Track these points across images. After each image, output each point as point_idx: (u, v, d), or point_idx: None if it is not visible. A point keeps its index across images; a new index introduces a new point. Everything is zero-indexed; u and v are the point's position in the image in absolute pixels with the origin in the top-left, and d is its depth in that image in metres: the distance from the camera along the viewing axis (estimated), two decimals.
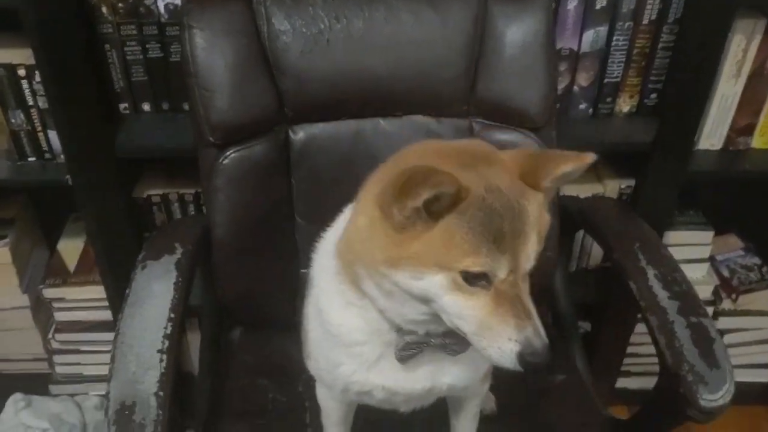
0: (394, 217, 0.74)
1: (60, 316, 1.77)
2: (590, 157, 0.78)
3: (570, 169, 0.78)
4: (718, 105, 1.44)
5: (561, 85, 1.42)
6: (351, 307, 0.87)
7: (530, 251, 0.75)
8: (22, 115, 1.43)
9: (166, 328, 1.01)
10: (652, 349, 1.07)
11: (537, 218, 0.76)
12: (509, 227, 0.73)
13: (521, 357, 0.72)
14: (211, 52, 1.15)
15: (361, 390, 0.94)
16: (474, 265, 0.72)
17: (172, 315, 1.03)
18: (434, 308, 0.77)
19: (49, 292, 1.73)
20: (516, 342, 0.72)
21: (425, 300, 0.77)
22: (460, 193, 0.72)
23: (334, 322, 0.90)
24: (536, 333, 0.73)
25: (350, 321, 0.88)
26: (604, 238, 1.22)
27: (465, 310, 0.75)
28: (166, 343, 0.99)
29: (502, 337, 0.73)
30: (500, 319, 0.73)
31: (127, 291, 1.07)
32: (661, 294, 1.08)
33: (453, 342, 0.85)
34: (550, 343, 0.73)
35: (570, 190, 1.52)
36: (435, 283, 0.74)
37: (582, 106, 1.48)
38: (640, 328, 1.69)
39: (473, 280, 0.73)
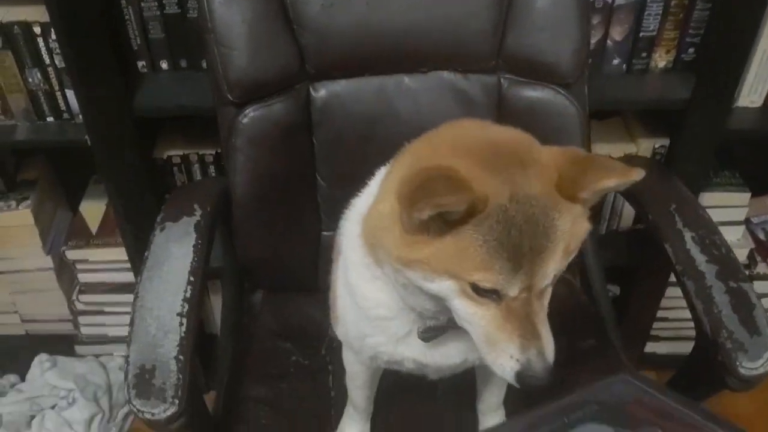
0: (405, 221, 0.71)
1: (84, 278, 1.78)
2: (637, 173, 0.72)
3: (613, 184, 0.72)
4: (759, 60, 1.36)
5: (593, 40, 1.35)
6: (377, 281, 0.84)
7: (550, 270, 0.71)
8: (39, 75, 1.41)
9: (185, 291, 0.99)
10: (682, 314, 1.03)
11: (566, 233, 0.71)
12: (529, 244, 0.68)
13: (520, 376, 0.71)
14: (229, 7, 1.11)
15: (390, 359, 0.92)
16: (484, 280, 0.69)
17: (192, 278, 1.01)
18: (447, 306, 0.75)
19: (72, 254, 1.73)
20: (517, 361, 0.71)
21: (437, 299, 0.75)
22: (476, 204, 0.67)
23: (361, 294, 0.87)
24: (540, 355, 0.70)
25: (376, 295, 0.85)
26: (638, 199, 1.17)
27: (474, 317, 0.72)
28: (186, 306, 0.97)
29: (505, 353, 0.71)
30: (506, 336, 0.71)
31: (146, 253, 1.05)
32: (699, 258, 1.03)
33: None
34: (554, 364, 0.72)
35: (602, 150, 1.47)
36: (445, 288, 0.72)
37: (615, 62, 1.42)
38: (670, 292, 1.65)
39: (483, 292, 0.70)
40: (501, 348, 0.71)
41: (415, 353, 0.88)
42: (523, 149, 0.75)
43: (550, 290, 0.75)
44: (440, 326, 0.83)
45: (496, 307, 0.71)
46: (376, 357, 0.93)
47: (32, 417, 1.70)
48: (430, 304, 0.78)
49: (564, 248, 0.71)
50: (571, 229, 0.72)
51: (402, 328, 0.86)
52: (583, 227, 0.75)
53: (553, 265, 0.71)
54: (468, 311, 0.72)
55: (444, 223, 0.69)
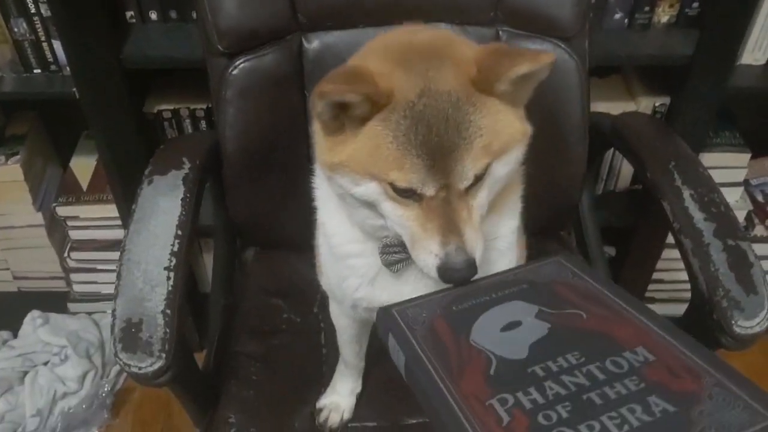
0: (320, 122, 0.73)
1: (75, 235, 1.76)
2: (548, 57, 0.71)
3: (525, 70, 0.70)
4: (765, 14, 1.33)
5: None
6: (341, 212, 0.85)
7: (467, 167, 0.70)
8: (24, 24, 1.37)
9: (173, 245, 0.97)
10: (677, 276, 1.02)
11: (485, 130, 0.70)
12: (440, 140, 0.69)
13: (441, 270, 0.71)
14: None
15: (369, 306, 0.91)
16: (399, 180, 0.70)
17: (179, 232, 0.99)
18: (380, 213, 0.75)
19: (62, 210, 1.71)
20: (436, 257, 0.71)
21: (370, 205, 0.75)
22: (376, 97, 0.69)
23: (330, 231, 0.89)
24: (459, 249, 0.70)
25: (344, 230, 0.87)
26: (637, 155, 1.15)
27: (400, 219, 0.73)
28: (173, 260, 0.95)
29: (427, 250, 0.72)
30: (427, 234, 0.72)
31: (133, 206, 1.03)
32: (697, 215, 1.01)
33: None
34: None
35: (600, 108, 1.44)
36: (371, 190, 0.73)
37: (617, 16, 1.38)
38: (666, 254, 1.64)
39: (403, 193, 0.71)
40: (423, 246, 0.72)
41: (390, 296, 0.87)
42: (443, 46, 0.75)
43: (482, 193, 0.74)
44: (398, 245, 0.81)
45: (418, 207, 0.72)
46: (356, 305, 0.92)
47: (25, 373, 1.70)
48: (370, 216, 0.78)
49: (484, 146, 0.70)
50: (493, 126, 0.71)
51: (371, 268, 0.87)
52: (513, 127, 0.74)
53: (471, 164, 0.70)
54: (395, 213, 0.73)
55: (356, 122, 0.71)
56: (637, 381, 0.54)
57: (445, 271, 0.71)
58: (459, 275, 0.71)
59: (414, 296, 0.72)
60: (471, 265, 0.71)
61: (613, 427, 0.50)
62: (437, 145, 0.69)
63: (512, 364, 0.58)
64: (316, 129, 0.77)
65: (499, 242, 0.86)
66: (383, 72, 0.71)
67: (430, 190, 0.71)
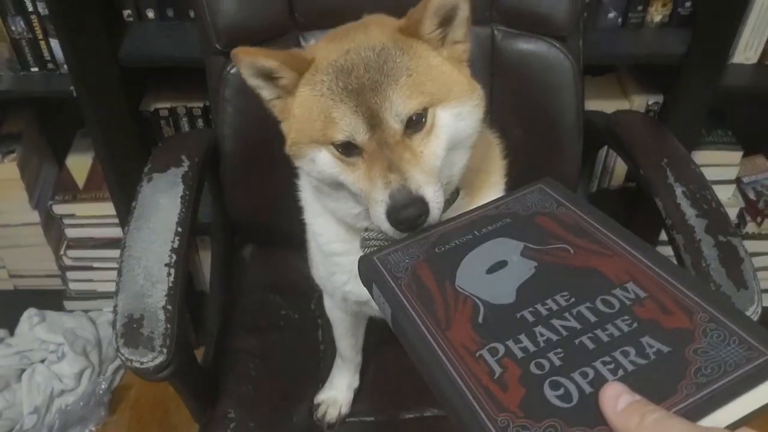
0: (266, 104, 0.79)
1: (71, 233, 1.76)
2: None
3: (438, 0, 0.72)
4: (757, 14, 1.35)
5: None
6: (327, 212, 0.86)
7: (395, 103, 0.70)
8: (22, 23, 1.38)
9: (173, 242, 0.98)
10: None
11: (413, 70, 0.71)
12: (359, 82, 0.70)
13: (390, 216, 0.68)
14: None
15: (358, 300, 0.92)
16: (333, 132, 0.71)
17: (179, 229, 1.00)
18: (347, 190, 0.76)
19: (59, 208, 1.71)
20: (382, 202, 0.69)
21: (336, 184, 0.75)
22: (296, 63, 0.73)
23: (316, 231, 0.90)
24: (403, 188, 0.68)
25: (329, 230, 0.88)
26: (630, 153, 1.16)
27: (354, 184, 0.73)
28: (174, 257, 0.96)
29: (375, 201, 0.70)
30: (372, 183, 0.70)
31: (133, 204, 1.04)
32: (689, 212, 1.03)
33: None
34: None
35: (594, 106, 1.45)
36: (324, 162, 0.74)
37: (611, 15, 1.39)
38: (659, 250, 1.64)
39: (346, 151, 0.72)
40: (372, 198, 0.70)
41: None
42: (375, 20, 0.80)
43: (434, 142, 0.73)
44: (377, 238, 0.80)
45: (362, 162, 0.72)
46: (346, 298, 0.94)
47: (22, 371, 1.71)
48: (344, 204, 0.79)
49: (413, 85, 0.71)
50: (425, 70, 0.72)
51: (356, 265, 0.86)
52: (454, 78, 0.75)
53: (399, 100, 0.70)
54: (349, 179, 0.73)
55: (288, 93, 0.75)
56: (629, 321, 0.52)
57: (393, 215, 0.68)
58: (407, 213, 0.67)
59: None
60: (418, 201, 0.68)
61: (607, 372, 0.48)
62: (359, 86, 0.70)
63: (500, 310, 0.55)
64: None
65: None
66: (313, 48, 0.76)
67: (362, 134, 0.70)
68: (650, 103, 1.51)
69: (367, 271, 0.64)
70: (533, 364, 0.50)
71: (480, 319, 0.55)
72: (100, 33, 1.34)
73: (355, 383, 1.15)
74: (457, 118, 0.74)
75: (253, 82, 0.76)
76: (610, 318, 0.53)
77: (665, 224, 1.05)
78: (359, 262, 0.66)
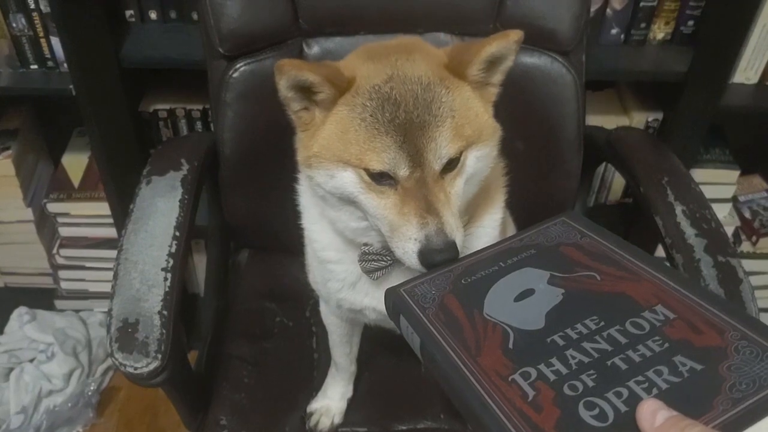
0: (291, 112, 0.77)
1: (64, 232, 1.75)
2: (516, 34, 0.74)
3: (495, 49, 0.73)
4: (758, 35, 1.35)
5: (593, 7, 1.33)
6: (324, 219, 0.86)
7: (441, 146, 0.71)
8: (23, 20, 1.37)
9: (170, 246, 0.98)
10: None
11: (456, 112, 0.72)
12: (408, 117, 0.70)
13: (422, 255, 0.69)
14: None
15: (352, 307, 0.92)
16: (371, 161, 0.70)
17: (177, 233, 0.99)
18: (360, 210, 0.75)
19: (53, 207, 1.70)
20: (417, 241, 0.70)
21: (348, 201, 0.75)
22: (337, 81, 0.71)
23: (313, 237, 0.90)
24: (439, 231, 0.69)
25: (322, 237, 0.88)
26: (630, 170, 1.16)
27: (377, 210, 0.73)
28: (171, 261, 0.96)
29: (406, 237, 0.70)
30: (405, 218, 0.71)
31: (131, 206, 1.03)
32: (689, 231, 1.03)
33: None
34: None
35: (593, 121, 1.46)
36: (346, 181, 0.73)
37: (614, 32, 1.40)
38: None
39: (378, 178, 0.71)
40: (402, 233, 0.71)
41: (372, 301, 0.89)
42: (413, 44, 0.79)
43: (459, 182, 0.74)
44: (377, 253, 0.82)
45: (394, 193, 0.72)
46: (340, 305, 0.93)
47: (10, 370, 1.69)
48: (351, 217, 0.78)
49: (456, 127, 0.71)
50: (465, 111, 0.73)
51: (351, 274, 0.87)
52: (485, 119, 0.76)
53: (444, 142, 0.71)
54: (372, 204, 0.73)
55: (323, 108, 0.73)
56: (660, 341, 0.52)
57: (426, 255, 0.69)
58: (440, 257, 0.69)
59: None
60: (452, 247, 0.69)
61: (641, 391, 0.48)
62: (407, 121, 0.70)
63: (530, 335, 0.56)
64: (298, 132, 0.80)
65: (483, 230, 0.87)
66: (350, 65, 0.74)
67: (404, 170, 0.70)
68: (650, 119, 1.51)
69: (394, 303, 0.65)
70: (566, 386, 0.50)
71: (510, 345, 0.56)
72: (101, 33, 1.33)
73: (349, 393, 1.15)
74: (478, 160, 0.76)
75: (287, 93, 0.74)
76: (641, 339, 0.53)
77: (664, 243, 1.05)
78: (385, 295, 0.66)
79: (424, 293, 0.64)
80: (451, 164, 0.73)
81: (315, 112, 0.75)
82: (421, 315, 0.61)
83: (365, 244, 0.82)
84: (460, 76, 0.74)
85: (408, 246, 0.70)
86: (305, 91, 0.73)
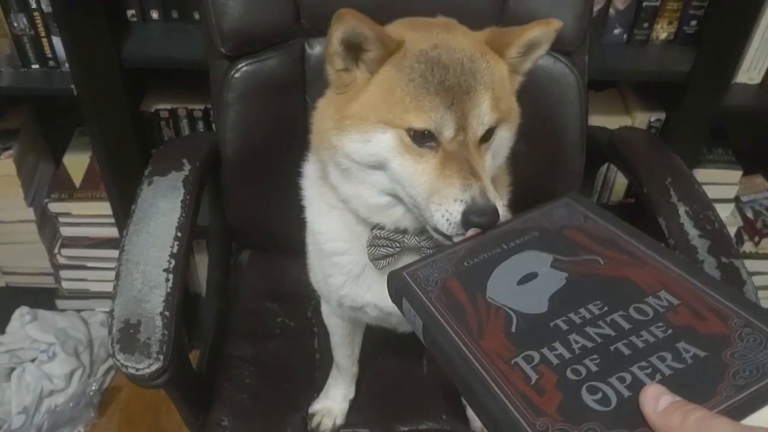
0: (332, 71, 0.76)
1: (66, 231, 1.75)
2: (557, 23, 0.77)
3: (537, 32, 0.76)
4: (761, 35, 1.35)
5: (596, 7, 1.33)
6: (332, 211, 0.86)
7: (483, 111, 0.72)
8: (24, 19, 1.36)
9: (172, 247, 0.97)
10: None
11: (495, 83, 0.74)
12: (456, 81, 0.71)
13: (465, 216, 0.69)
14: None
15: (353, 305, 0.92)
16: (417, 120, 0.71)
17: (179, 234, 0.99)
18: (389, 179, 0.75)
19: (54, 206, 1.70)
20: (461, 202, 0.69)
21: (378, 166, 0.74)
22: (387, 41, 0.72)
23: (317, 229, 0.90)
24: (482, 193, 0.69)
25: (331, 228, 0.88)
26: (633, 170, 1.16)
27: (415, 175, 0.73)
28: (173, 262, 0.95)
29: (449, 199, 0.70)
30: (447, 181, 0.71)
31: (132, 207, 1.03)
32: (692, 232, 1.02)
33: (427, 244, 0.81)
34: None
35: (596, 121, 1.46)
36: (383, 145, 0.73)
37: (616, 31, 1.39)
38: None
39: (420, 139, 0.72)
40: (444, 195, 0.70)
41: (374, 297, 0.89)
42: (453, 23, 0.81)
43: (488, 157, 0.76)
44: (388, 238, 0.82)
45: (434, 156, 0.72)
46: (342, 303, 0.93)
47: (12, 369, 1.69)
48: (373, 193, 0.78)
49: (495, 99, 0.73)
50: (501, 87, 0.75)
51: (356, 265, 0.87)
52: (513, 100, 0.79)
53: (486, 108, 0.72)
54: (409, 170, 0.73)
55: (370, 66, 0.74)
56: (663, 327, 0.52)
57: (471, 215, 0.68)
58: (484, 219, 0.68)
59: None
60: (494, 212, 0.69)
61: (644, 377, 0.48)
62: (455, 85, 0.71)
63: (533, 319, 0.56)
64: (324, 103, 0.81)
65: None
66: (395, 31, 0.75)
67: (449, 131, 0.71)
68: (652, 119, 1.51)
69: (397, 286, 0.64)
70: (569, 370, 0.50)
71: (513, 329, 0.56)
72: (103, 32, 1.33)
73: (351, 394, 1.14)
74: (503, 140, 0.78)
75: (338, 47, 0.73)
76: (645, 325, 0.53)
77: (668, 244, 1.04)
78: (388, 278, 0.66)
79: (426, 276, 0.64)
80: (487, 135, 0.74)
81: (356, 73, 0.75)
82: (424, 298, 0.61)
83: (376, 227, 0.82)
84: (500, 52, 0.77)
85: (452, 207, 0.70)
86: (353, 49, 0.74)
